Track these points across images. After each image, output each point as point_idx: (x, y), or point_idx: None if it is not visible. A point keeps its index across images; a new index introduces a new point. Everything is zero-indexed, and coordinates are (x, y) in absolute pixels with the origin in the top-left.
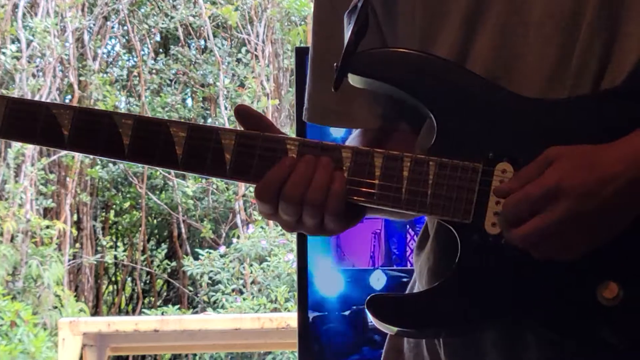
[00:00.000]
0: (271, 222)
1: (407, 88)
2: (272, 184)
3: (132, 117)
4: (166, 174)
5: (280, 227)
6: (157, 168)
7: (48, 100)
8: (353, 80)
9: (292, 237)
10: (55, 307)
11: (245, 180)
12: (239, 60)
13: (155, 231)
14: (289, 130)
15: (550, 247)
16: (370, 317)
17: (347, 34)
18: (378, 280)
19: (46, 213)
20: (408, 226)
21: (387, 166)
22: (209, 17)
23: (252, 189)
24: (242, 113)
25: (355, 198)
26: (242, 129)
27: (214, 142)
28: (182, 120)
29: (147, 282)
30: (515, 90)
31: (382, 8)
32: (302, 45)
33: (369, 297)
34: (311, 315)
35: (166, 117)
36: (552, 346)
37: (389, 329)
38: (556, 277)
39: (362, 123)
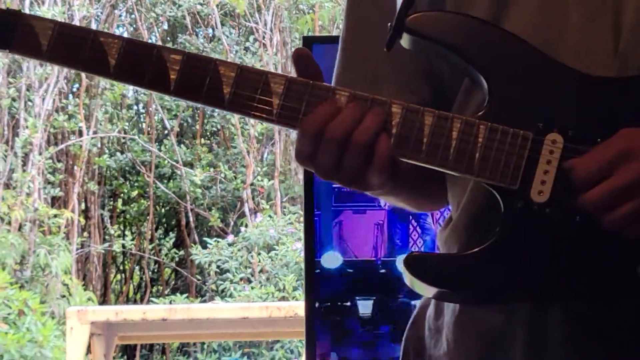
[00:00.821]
0: (279, 210)
1: (463, 52)
2: (319, 117)
3: (182, 52)
4: (174, 163)
5: (288, 216)
6: (202, 105)
7: (56, 89)
8: (406, 41)
9: (300, 226)
10: (63, 296)
11: (292, 125)
12: (246, 49)
13: (163, 220)
14: None
15: (620, 213)
16: (405, 277)
17: None
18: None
19: (54, 202)
20: (411, 217)
21: (437, 125)
22: (217, 6)
23: (259, 178)
24: (302, 57)
25: (401, 153)
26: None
27: (262, 84)
28: (230, 61)
29: (155, 270)
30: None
31: None
32: (309, 33)
33: (407, 255)
34: (318, 304)
35: (174, 106)
36: (577, 326)
37: (426, 289)
38: (597, 249)
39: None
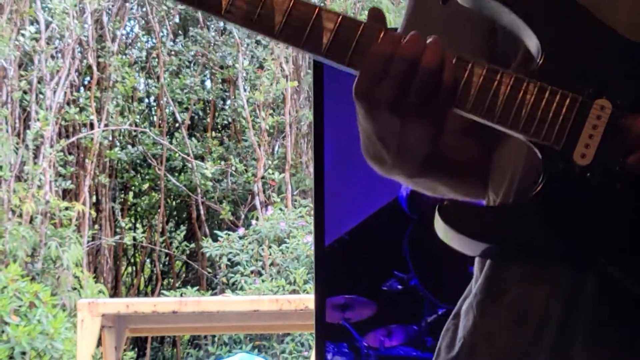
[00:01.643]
0: (290, 204)
1: (518, 9)
2: (388, 43)
3: None
4: (185, 156)
5: (298, 210)
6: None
7: (67, 82)
8: None
9: (311, 219)
10: (74, 289)
11: (341, 61)
12: (258, 42)
13: (174, 213)
14: (308, 111)
15: None
16: (438, 228)
17: None
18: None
19: (65, 194)
20: None
21: (486, 77)
22: None
23: (270, 171)
24: (376, 15)
25: (446, 102)
26: None
27: (315, 17)
28: (333, 11)
29: (166, 263)
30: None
31: None
32: None
33: (441, 203)
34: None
35: (185, 99)
36: (611, 296)
37: (459, 241)
38: (634, 216)
39: None
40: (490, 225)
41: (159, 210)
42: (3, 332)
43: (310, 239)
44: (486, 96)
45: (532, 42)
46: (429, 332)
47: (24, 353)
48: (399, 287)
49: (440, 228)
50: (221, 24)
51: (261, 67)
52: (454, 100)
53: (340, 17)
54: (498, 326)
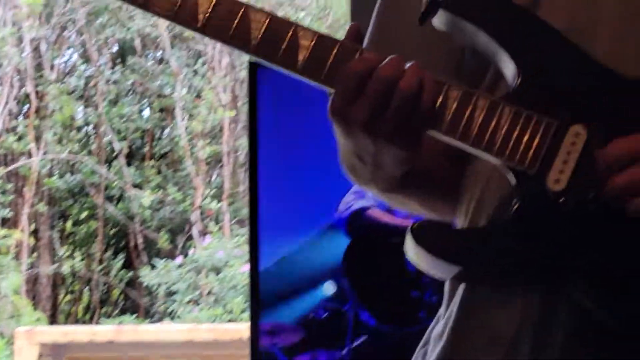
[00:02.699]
0: (227, 232)
1: (496, 33)
2: (365, 62)
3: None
4: (123, 185)
5: (236, 239)
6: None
7: (6, 110)
8: (441, 18)
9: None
10: (13, 316)
11: (316, 78)
12: (195, 72)
13: (112, 241)
14: (245, 141)
15: None
16: (409, 249)
17: None
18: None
19: (3, 222)
20: None
21: (462, 99)
22: (166, 28)
23: (208, 200)
24: (354, 32)
25: (422, 124)
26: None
27: (291, 34)
28: (310, 28)
29: (104, 292)
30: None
31: None
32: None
33: (414, 223)
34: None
35: (123, 127)
36: (582, 322)
37: (431, 262)
38: (607, 245)
39: None
40: (462, 248)
41: (97, 239)
42: None
43: (248, 268)
44: (461, 119)
45: (508, 66)
46: (353, 358)
47: None
48: (325, 313)
49: (411, 248)
50: (159, 53)
51: (199, 96)
52: (430, 123)
53: (317, 35)
54: (469, 351)
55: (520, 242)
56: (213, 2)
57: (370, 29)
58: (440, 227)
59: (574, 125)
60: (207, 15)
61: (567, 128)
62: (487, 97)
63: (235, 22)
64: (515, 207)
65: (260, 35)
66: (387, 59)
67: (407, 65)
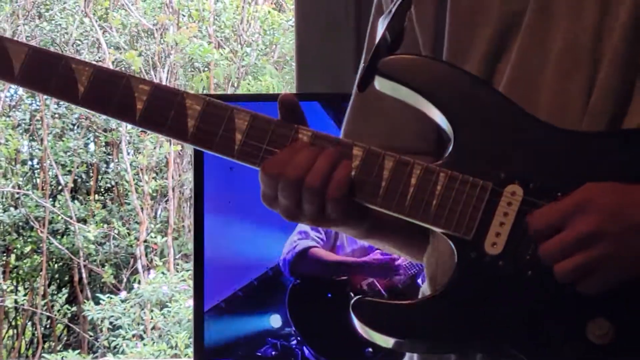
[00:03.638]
0: (172, 267)
1: (430, 96)
2: (276, 163)
3: (150, 83)
4: (67, 219)
5: (181, 273)
6: (166, 137)
7: None
8: (379, 83)
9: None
10: None
11: (252, 163)
12: None
13: (56, 276)
14: (191, 175)
15: (572, 266)
16: (354, 322)
17: (378, 37)
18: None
19: None
20: None
21: (396, 170)
22: (113, 62)
23: (153, 235)
24: (286, 103)
25: (358, 196)
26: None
27: (227, 120)
28: (199, 94)
29: (48, 326)
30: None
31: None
32: (205, 91)
33: (355, 299)
34: None
35: (69, 161)
36: None
37: (375, 336)
38: (548, 305)
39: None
40: (402, 321)
41: (40, 273)
42: None
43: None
44: (396, 190)
45: (446, 128)
46: None
47: None
48: (273, 352)
49: (356, 324)
50: None
51: (144, 131)
52: (362, 197)
53: (251, 116)
54: None
55: (458, 310)
56: (151, 89)
57: (350, 101)
58: (377, 303)
59: (510, 184)
60: (143, 107)
61: (503, 189)
62: (422, 164)
63: (171, 112)
64: (454, 273)
65: (196, 124)
66: (296, 156)
67: (318, 157)
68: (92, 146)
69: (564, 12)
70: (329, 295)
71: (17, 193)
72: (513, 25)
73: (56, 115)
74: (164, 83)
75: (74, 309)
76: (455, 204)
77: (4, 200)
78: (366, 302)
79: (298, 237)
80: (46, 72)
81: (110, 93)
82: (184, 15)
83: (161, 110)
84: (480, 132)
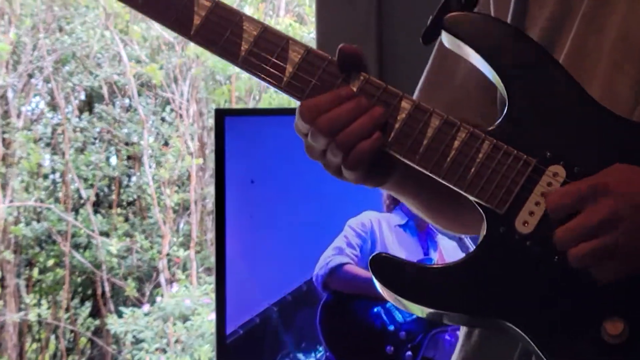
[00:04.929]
0: (195, 281)
1: (492, 60)
2: (316, 107)
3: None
4: (90, 233)
5: (204, 286)
6: (218, 56)
7: None
8: (445, 38)
9: None
10: None
11: (298, 97)
12: (163, 119)
13: (79, 289)
14: (213, 188)
15: (589, 252)
16: (378, 287)
17: None
18: None
19: None
20: None
21: (441, 129)
22: (134, 76)
23: (175, 248)
24: (346, 55)
25: (396, 149)
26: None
27: (281, 49)
28: (257, 19)
29: (71, 340)
30: None
31: None
32: (226, 104)
33: (375, 254)
34: None
35: (90, 175)
36: None
37: (391, 296)
38: (567, 296)
39: None
40: (419, 284)
41: (63, 287)
42: None
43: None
44: (437, 149)
45: (502, 94)
46: None
47: None
48: None
49: (374, 280)
50: (126, 100)
51: (166, 144)
52: (396, 149)
53: (305, 50)
54: None
55: (476, 280)
56: (212, 5)
57: (428, 67)
58: (398, 263)
59: (553, 165)
60: (200, 22)
61: (547, 167)
62: (468, 128)
63: (227, 33)
64: (480, 245)
65: (249, 48)
66: (337, 108)
67: (363, 115)
68: (113, 160)
69: (621, 1)
70: (359, 311)
71: (40, 207)
72: (570, 10)
73: (77, 129)
74: (185, 96)
75: (97, 322)
76: (494, 174)
77: (26, 214)
78: (386, 260)
79: (332, 253)
80: None
81: (170, 3)
82: None
83: (218, 29)
84: (535, 106)
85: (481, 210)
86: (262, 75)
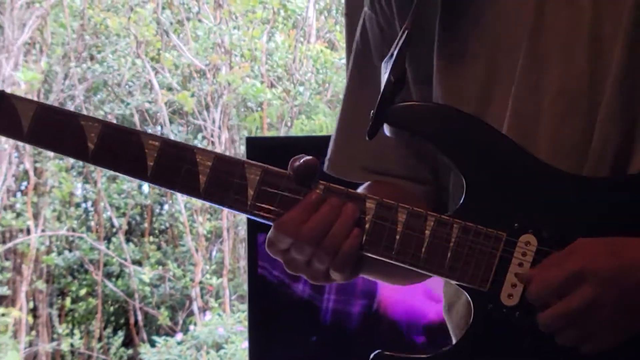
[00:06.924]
0: (227, 309)
1: (444, 148)
2: (293, 220)
3: (160, 139)
4: (122, 261)
5: (237, 314)
6: (177, 193)
7: (4, 187)
8: (389, 131)
9: None
10: None
11: (265, 217)
12: None
13: (112, 318)
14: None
15: (573, 334)
16: None
17: (383, 82)
18: None
19: (1, 301)
20: None
21: (409, 223)
22: (165, 103)
23: (208, 276)
24: (306, 169)
25: (373, 251)
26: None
27: (238, 176)
28: (208, 149)
29: None
30: None
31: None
32: (258, 132)
33: (376, 353)
34: None
35: (122, 204)
36: None
37: None
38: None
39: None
40: None
41: (96, 316)
42: None
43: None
44: (410, 243)
45: (457, 177)
46: None
47: None
48: None
49: None
50: (158, 128)
51: None
52: (373, 251)
53: (262, 170)
54: None
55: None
56: (161, 145)
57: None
58: (397, 358)
59: (523, 234)
60: (154, 164)
61: (517, 238)
62: (435, 215)
63: (184, 166)
64: (471, 324)
65: (207, 180)
66: (314, 215)
67: (339, 216)
68: (145, 188)
69: (554, 57)
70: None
71: (72, 236)
72: (504, 70)
73: None
74: (217, 123)
75: (130, 351)
76: (470, 256)
77: (58, 243)
78: (385, 355)
79: None
80: (56, 130)
81: (121, 150)
82: (236, 55)
83: (172, 167)
84: (493, 181)
85: (465, 292)
86: (226, 205)
